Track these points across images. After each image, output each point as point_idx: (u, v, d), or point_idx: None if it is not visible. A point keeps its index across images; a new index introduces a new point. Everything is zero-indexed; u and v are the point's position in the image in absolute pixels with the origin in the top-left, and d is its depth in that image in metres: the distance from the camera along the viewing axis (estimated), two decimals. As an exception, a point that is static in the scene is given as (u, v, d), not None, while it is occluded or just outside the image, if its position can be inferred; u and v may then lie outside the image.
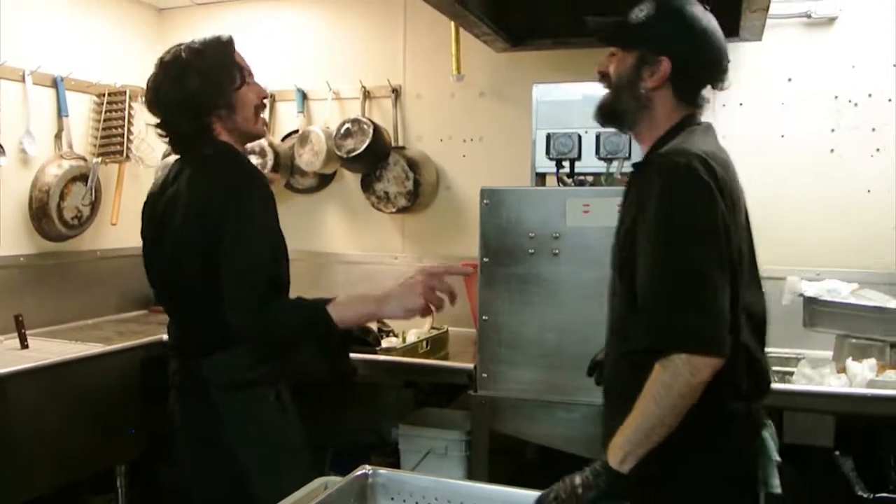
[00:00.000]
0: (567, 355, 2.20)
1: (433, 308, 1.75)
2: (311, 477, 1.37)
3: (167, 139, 1.90)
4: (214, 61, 1.83)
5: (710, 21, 1.55)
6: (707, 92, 1.59)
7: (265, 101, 1.94)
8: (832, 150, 2.75)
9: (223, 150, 1.85)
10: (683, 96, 1.56)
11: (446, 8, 2.45)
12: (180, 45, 1.86)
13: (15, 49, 3.00)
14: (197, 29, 3.59)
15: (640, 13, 1.56)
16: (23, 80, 3.03)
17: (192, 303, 1.84)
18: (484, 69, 3.21)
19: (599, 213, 2.15)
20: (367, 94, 3.38)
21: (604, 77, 1.62)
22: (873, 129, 2.67)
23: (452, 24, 3.02)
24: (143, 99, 1.98)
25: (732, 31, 2.61)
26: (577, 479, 1.36)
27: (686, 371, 1.34)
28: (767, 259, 2.71)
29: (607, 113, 1.63)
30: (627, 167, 2.28)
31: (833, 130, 2.65)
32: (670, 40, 1.53)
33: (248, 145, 3.24)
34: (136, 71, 3.30)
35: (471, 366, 2.41)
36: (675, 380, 1.35)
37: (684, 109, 1.57)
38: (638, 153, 2.28)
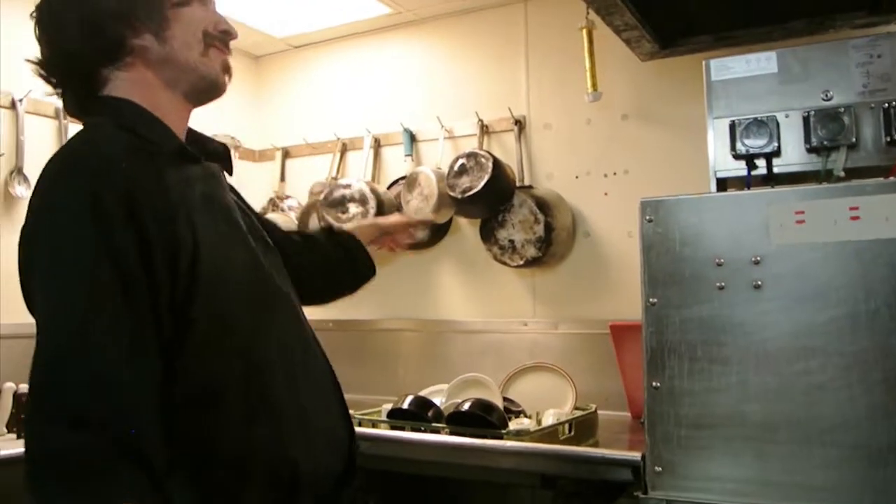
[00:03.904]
0: (783, 437, 1.50)
1: None
2: None
3: (55, 86, 1.21)
4: None
5: None
6: None
7: (226, 35, 1.25)
8: None
9: (110, 111, 1.15)
10: None
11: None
12: None
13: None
14: (294, 74, 3.29)
15: None
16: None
17: None
18: (626, 87, 2.62)
19: (817, 225, 1.47)
20: (485, 129, 2.86)
21: None
22: None
23: (584, 32, 2.48)
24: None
25: None
26: None
27: None
28: None
29: None
30: (854, 160, 1.60)
31: None
32: None
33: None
34: (235, 121, 3.16)
35: (637, 455, 1.72)
36: None
37: None
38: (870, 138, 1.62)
